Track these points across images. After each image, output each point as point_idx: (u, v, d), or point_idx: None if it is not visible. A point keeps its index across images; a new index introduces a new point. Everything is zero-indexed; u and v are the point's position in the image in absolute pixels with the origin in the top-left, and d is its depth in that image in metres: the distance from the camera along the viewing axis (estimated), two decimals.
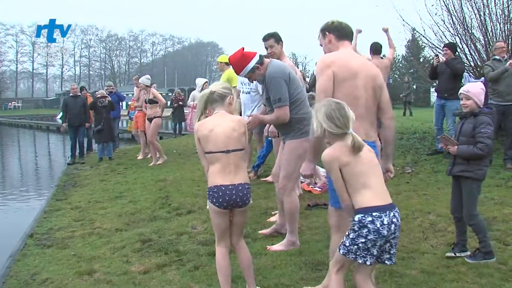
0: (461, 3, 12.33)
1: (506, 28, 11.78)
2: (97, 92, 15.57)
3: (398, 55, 54.68)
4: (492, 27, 12.05)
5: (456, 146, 4.79)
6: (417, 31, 14.60)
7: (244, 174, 4.09)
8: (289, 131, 5.20)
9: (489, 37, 11.90)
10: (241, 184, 3.99)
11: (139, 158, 13.90)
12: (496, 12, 11.93)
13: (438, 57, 10.20)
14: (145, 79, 12.83)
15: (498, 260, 4.82)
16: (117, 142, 16.93)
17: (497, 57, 9.26)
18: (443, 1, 12.53)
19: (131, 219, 7.40)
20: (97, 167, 13.60)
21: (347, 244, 3.30)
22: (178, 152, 14.41)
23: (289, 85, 5.12)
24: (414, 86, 51.14)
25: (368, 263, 3.30)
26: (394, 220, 3.29)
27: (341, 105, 3.37)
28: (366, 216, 3.23)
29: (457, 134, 4.93)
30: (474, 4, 12.12)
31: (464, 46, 12.47)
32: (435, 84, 12.09)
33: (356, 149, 3.30)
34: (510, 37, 11.73)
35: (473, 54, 12.34)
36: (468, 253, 4.99)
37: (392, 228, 3.27)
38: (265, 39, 6.41)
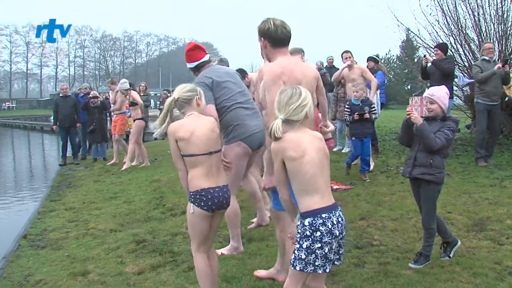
0: (456, 4, 12.41)
1: (500, 28, 11.84)
2: (90, 91, 15.47)
3: (393, 55, 54.92)
4: (486, 28, 12.11)
5: (421, 119, 4.66)
6: (411, 32, 14.66)
7: (224, 175, 4.09)
8: (223, 136, 5.14)
9: (483, 38, 11.95)
10: (224, 186, 3.98)
11: (111, 163, 13.57)
12: (490, 12, 11.99)
13: (426, 58, 10.28)
14: (121, 85, 12.66)
15: (492, 260, 4.82)
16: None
17: (486, 57, 9.46)
18: (438, 2, 12.59)
19: (125, 220, 7.39)
20: (91, 167, 13.58)
21: (303, 257, 3.12)
22: None
23: (212, 90, 5.08)
24: (409, 86, 51.44)
25: (327, 270, 3.18)
26: (340, 219, 3.20)
27: (287, 90, 3.29)
28: (316, 219, 3.12)
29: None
30: (468, 5, 12.19)
31: (458, 46, 12.52)
32: (428, 84, 12.15)
33: (268, 134, 3.22)
34: (503, 37, 11.79)
35: (467, 54, 12.40)
36: (459, 243, 5.00)
37: (340, 228, 3.19)
38: None
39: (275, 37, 4.05)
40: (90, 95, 14.36)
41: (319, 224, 3.11)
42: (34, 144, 30.95)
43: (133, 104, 12.36)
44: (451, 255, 4.92)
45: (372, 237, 5.68)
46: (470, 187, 7.69)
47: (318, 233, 3.10)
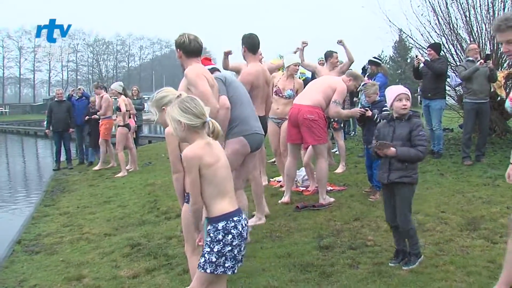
0: (447, 4, 12.43)
1: (491, 28, 11.88)
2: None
3: (386, 56, 55.00)
4: (478, 28, 12.16)
5: (394, 149, 4.61)
6: (404, 32, 14.68)
7: None
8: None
9: (474, 37, 12.00)
10: None
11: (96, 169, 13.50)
12: (482, 12, 12.04)
13: (418, 58, 10.36)
14: (117, 86, 12.47)
15: (486, 259, 4.84)
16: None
17: (470, 58, 9.73)
18: (429, 2, 12.62)
19: (119, 224, 7.38)
20: (85, 172, 13.55)
21: (214, 260, 3.21)
22: (167, 156, 14.37)
23: (226, 86, 5.44)
24: None
25: (236, 271, 3.30)
26: (246, 222, 3.36)
27: (192, 97, 3.33)
28: (229, 222, 3.21)
29: (391, 139, 4.75)
30: (459, 5, 12.23)
31: (450, 46, 12.56)
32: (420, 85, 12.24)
33: (215, 135, 3.25)
34: (494, 37, 11.84)
35: (459, 54, 12.42)
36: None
37: (246, 230, 3.33)
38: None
39: (188, 49, 4.87)
40: (91, 102, 14.37)
41: (231, 227, 3.20)
42: (28, 149, 30.84)
43: (119, 109, 12.22)
44: (402, 265, 4.82)
45: (366, 238, 5.69)
46: (463, 187, 7.73)
47: (230, 236, 3.19)
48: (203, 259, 3.23)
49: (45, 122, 15.17)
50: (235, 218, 3.22)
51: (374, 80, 9.96)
